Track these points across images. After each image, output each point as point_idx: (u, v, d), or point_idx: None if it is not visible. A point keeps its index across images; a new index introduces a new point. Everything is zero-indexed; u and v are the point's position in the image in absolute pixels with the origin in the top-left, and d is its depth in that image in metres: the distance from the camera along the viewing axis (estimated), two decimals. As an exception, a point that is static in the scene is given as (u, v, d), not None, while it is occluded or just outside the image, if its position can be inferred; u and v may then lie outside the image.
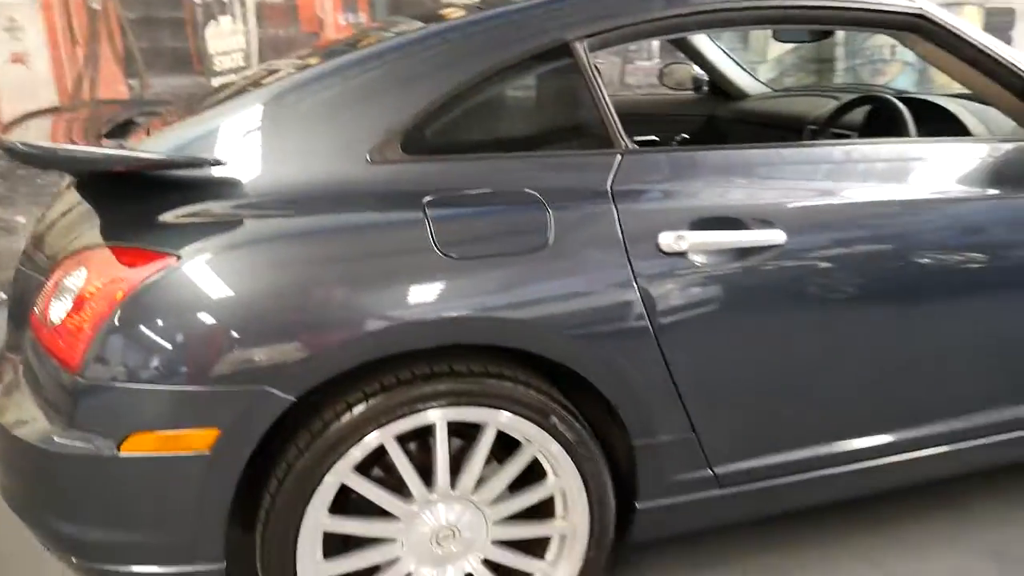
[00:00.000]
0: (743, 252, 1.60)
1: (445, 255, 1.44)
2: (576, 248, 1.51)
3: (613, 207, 1.54)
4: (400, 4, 4.33)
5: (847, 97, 2.63)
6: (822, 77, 4.93)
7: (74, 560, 1.49)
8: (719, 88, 3.14)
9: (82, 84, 3.97)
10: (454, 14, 1.78)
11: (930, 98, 2.40)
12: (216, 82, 4.12)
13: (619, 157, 1.61)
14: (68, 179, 1.92)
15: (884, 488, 1.96)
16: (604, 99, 1.65)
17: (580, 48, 1.65)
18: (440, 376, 1.47)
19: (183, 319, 1.36)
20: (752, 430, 1.70)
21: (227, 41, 4.13)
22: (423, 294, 1.43)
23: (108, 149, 1.59)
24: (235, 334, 1.36)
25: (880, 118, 2.31)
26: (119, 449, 1.37)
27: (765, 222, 1.62)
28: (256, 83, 1.74)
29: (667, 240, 1.55)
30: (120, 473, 1.39)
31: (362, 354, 1.41)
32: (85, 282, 1.43)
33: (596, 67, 1.67)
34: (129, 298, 1.36)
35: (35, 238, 1.76)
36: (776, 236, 1.62)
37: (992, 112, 2.19)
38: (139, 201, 1.51)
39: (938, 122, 2.22)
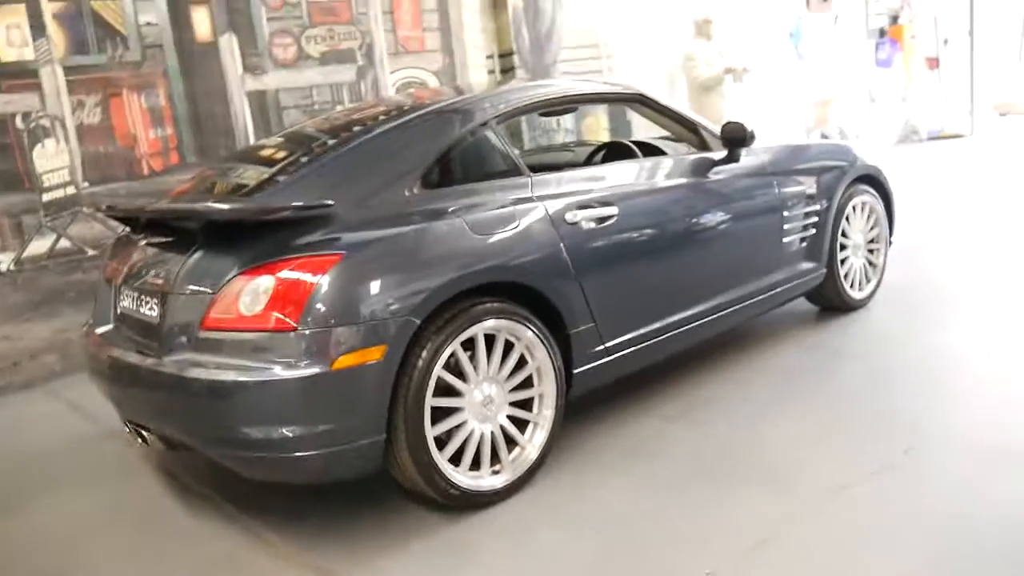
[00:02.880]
0: (602, 219, 2.99)
1: (476, 235, 2.64)
2: (531, 226, 2.79)
3: (541, 204, 2.85)
4: (199, 118, 5.20)
5: (582, 148, 4.21)
6: (516, 143, 6.68)
7: (289, 455, 2.39)
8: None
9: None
10: (426, 102, 3.01)
11: (638, 140, 4.02)
12: (46, 198, 4.68)
13: (530, 179, 2.93)
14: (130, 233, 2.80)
15: (694, 343, 3.47)
16: (512, 150, 2.97)
17: (493, 123, 2.96)
18: (477, 306, 2.63)
19: (358, 286, 2.40)
20: (622, 316, 3.07)
21: (53, 160, 4.66)
22: (473, 256, 2.61)
23: (281, 204, 2.56)
24: (388, 291, 2.43)
25: (616, 153, 3.87)
26: (332, 367, 2.35)
27: (607, 204, 3.03)
28: (315, 152, 2.80)
29: (569, 216, 2.89)
30: (333, 383, 2.36)
31: (446, 292, 2.52)
32: (275, 282, 2.39)
33: (504, 133, 2.98)
34: (324, 279, 2.36)
35: (172, 280, 2.59)
36: (613, 210, 3.03)
37: (673, 144, 3.87)
38: (277, 233, 2.49)
39: (647, 152, 3.83)
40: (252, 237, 2.52)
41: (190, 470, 3.22)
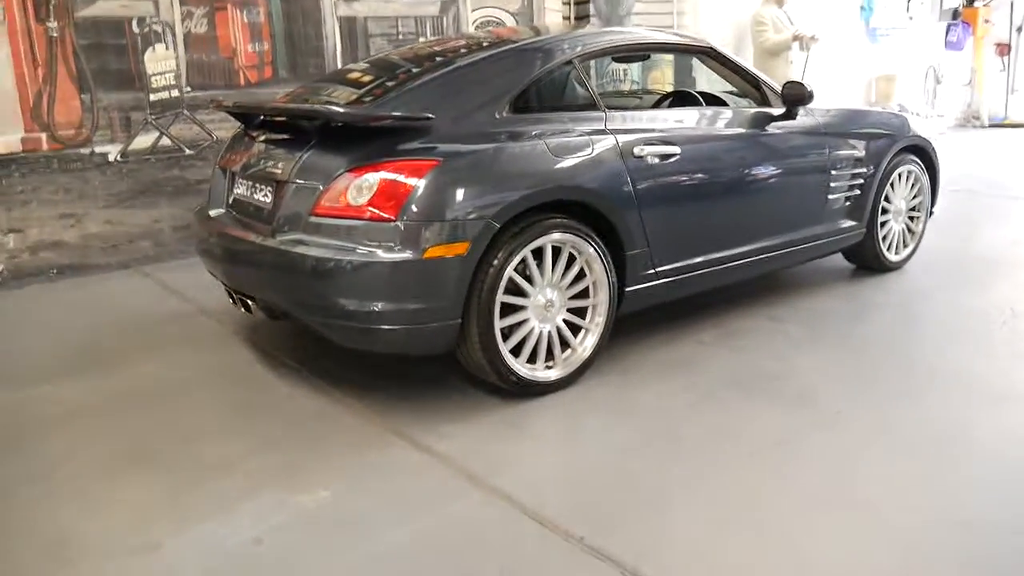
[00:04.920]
0: (666, 156, 3.32)
1: (554, 157, 2.99)
2: (602, 155, 3.14)
3: (613, 136, 3.20)
4: (293, 37, 5.58)
5: (649, 95, 4.52)
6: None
7: (378, 327, 2.79)
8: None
9: (42, 98, 4.76)
10: (524, 36, 3.35)
11: (703, 91, 4.32)
12: (152, 97, 5.11)
13: (605, 114, 3.27)
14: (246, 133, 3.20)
15: (743, 279, 3.84)
16: (593, 87, 3.31)
17: (576, 62, 3.30)
18: (548, 219, 3.00)
19: (451, 189, 2.77)
20: (673, 246, 3.42)
21: (161, 63, 5.09)
22: (550, 175, 2.97)
23: (391, 113, 2.93)
24: (475, 197, 2.80)
25: (682, 101, 4.18)
26: (423, 256, 2.74)
27: (671, 143, 3.37)
28: (413, 74, 3.17)
29: (637, 151, 3.23)
30: (422, 268, 2.75)
31: (524, 204, 2.89)
32: (380, 180, 2.77)
33: (587, 71, 3.32)
34: (422, 181, 2.74)
35: (288, 171, 2.98)
36: (676, 150, 3.37)
37: (735, 99, 4.16)
38: (385, 138, 2.86)
39: (710, 103, 4.12)
40: (360, 140, 2.90)
41: (279, 346, 3.66)
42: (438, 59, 3.36)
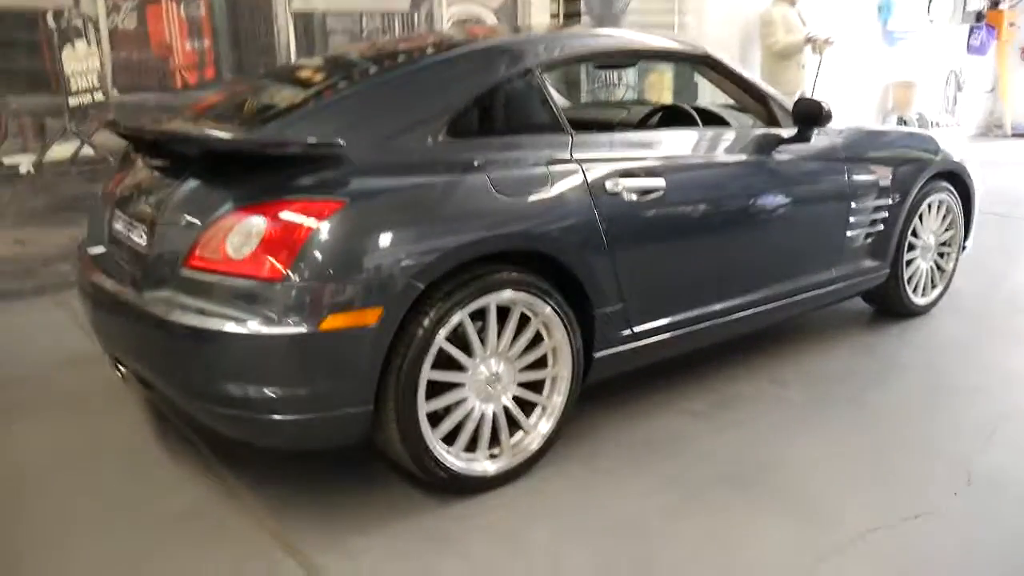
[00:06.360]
0: (647, 191, 2.67)
1: (501, 195, 2.34)
2: (565, 192, 2.48)
3: (579, 167, 2.54)
4: (239, 33, 4.94)
5: (638, 108, 3.86)
6: (573, 94, 6.30)
7: (265, 417, 2.15)
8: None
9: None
10: (470, 40, 2.71)
11: (700, 106, 3.66)
12: (72, 101, 4.47)
13: (570, 138, 2.61)
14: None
15: (744, 333, 3.19)
16: (555, 103, 2.65)
17: (538, 70, 2.63)
18: (493, 274, 2.35)
19: (360, 240, 2.13)
20: (656, 300, 2.77)
21: (82, 63, 4.46)
22: (495, 219, 2.32)
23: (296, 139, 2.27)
24: (392, 248, 2.15)
25: (674, 119, 3.51)
26: (319, 327, 2.09)
27: (654, 175, 2.71)
28: (340, 84, 2.53)
29: (610, 185, 2.58)
30: (317, 344, 2.11)
31: (457, 258, 2.25)
32: (268, 225, 2.13)
33: (547, 83, 2.66)
34: (319, 227, 2.10)
35: (160, 208, 2.35)
36: (660, 183, 2.71)
37: (735, 113, 3.50)
38: (279, 170, 2.22)
39: (708, 120, 3.46)
40: (252, 172, 2.26)
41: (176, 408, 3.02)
42: (372, 66, 2.72)
